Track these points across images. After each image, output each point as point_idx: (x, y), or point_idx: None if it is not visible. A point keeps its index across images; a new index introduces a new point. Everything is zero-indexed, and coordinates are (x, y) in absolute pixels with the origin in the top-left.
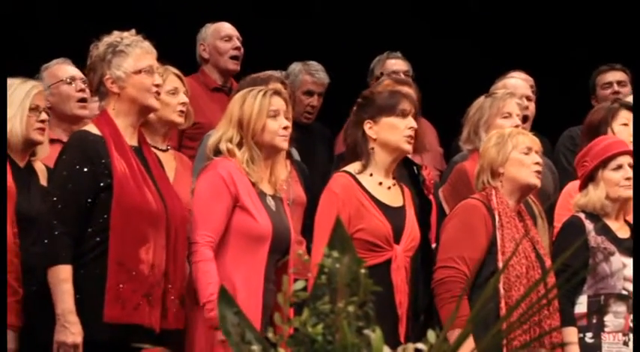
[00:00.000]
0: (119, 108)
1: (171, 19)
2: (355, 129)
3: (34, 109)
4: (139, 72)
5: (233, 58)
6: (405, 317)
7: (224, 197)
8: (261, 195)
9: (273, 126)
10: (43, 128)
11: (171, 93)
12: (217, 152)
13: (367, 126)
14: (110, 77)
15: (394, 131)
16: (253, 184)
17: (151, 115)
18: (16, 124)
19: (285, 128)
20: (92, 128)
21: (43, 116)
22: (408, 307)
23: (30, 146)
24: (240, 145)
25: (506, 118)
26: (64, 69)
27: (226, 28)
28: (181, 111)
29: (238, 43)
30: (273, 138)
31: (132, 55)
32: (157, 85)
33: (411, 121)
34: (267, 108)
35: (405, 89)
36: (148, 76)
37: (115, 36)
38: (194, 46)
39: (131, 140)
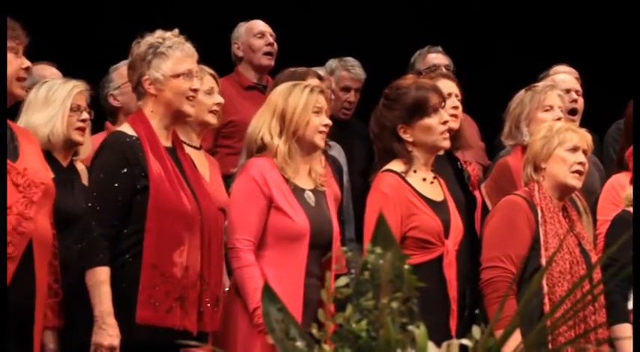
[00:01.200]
0: (155, 110)
1: (208, 19)
2: (388, 135)
3: (75, 109)
4: (178, 76)
5: (267, 54)
6: (456, 312)
7: (258, 199)
8: (297, 190)
9: (316, 123)
10: (83, 128)
11: (207, 93)
12: (257, 145)
13: (401, 131)
14: (148, 78)
15: (430, 132)
16: (287, 180)
17: None
18: (57, 124)
19: (326, 126)
20: (127, 128)
21: (84, 116)
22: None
23: (71, 146)
24: (279, 137)
25: (547, 111)
26: None
27: (259, 25)
28: (215, 111)
29: (271, 40)
30: (314, 135)
31: (172, 57)
32: (195, 90)
33: (443, 115)
34: (314, 104)
35: (427, 81)
36: (186, 81)
37: (158, 36)
38: (229, 47)
39: (166, 141)
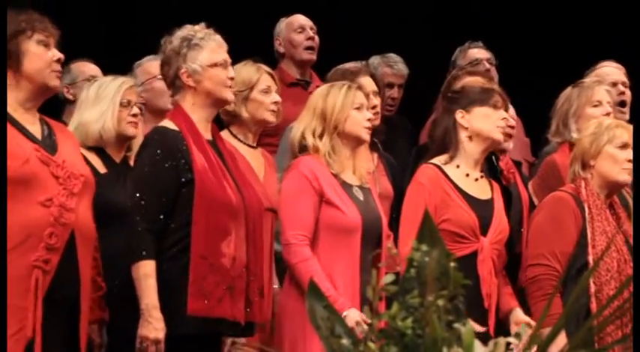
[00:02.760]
0: (195, 102)
1: (251, 16)
2: (446, 119)
3: (125, 104)
4: (215, 65)
5: (308, 48)
6: (493, 309)
7: (309, 194)
8: (346, 186)
9: (358, 117)
10: (135, 122)
11: (264, 92)
12: (301, 146)
13: (459, 116)
14: (186, 71)
15: (487, 120)
16: (335, 176)
17: (244, 113)
18: (108, 119)
19: (369, 120)
20: (168, 123)
21: (135, 110)
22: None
23: (124, 140)
24: (321, 137)
25: (596, 107)
26: (156, 65)
27: (299, 19)
28: (274, 110)
29: (312, 33)
30: (357, 129)
31: (207, 48)
32: (231, 78)
33: (503, 113)
34: (352, 100)
35: (497, 86)
36: (223, 69)
37: (188, 29)
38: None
39: (206, 134)
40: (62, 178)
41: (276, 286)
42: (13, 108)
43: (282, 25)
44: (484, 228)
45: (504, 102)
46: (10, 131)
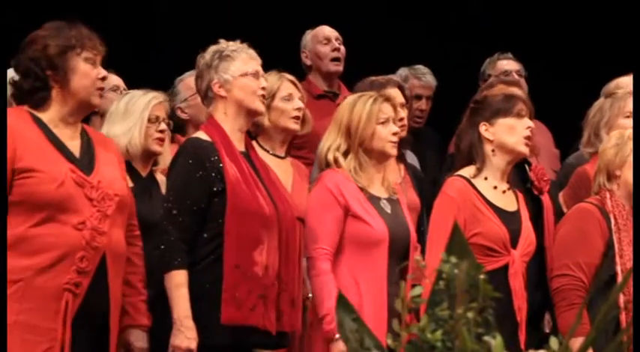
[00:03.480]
0: (227, 112)
1: (276, 29)
2: (470, 132)
3: (153, 120)
4: (246, 75)
5: (334, 59)
6: (524, 323)
7: (334, 209)
8: (373, 199)
9: (383, 133)
10: (162, 138)
11: (285, 100)
12: (328, 160)
13: (483, 129)
14: (217, 81)
15: (512, 132)
16: (362, 189)
17: (267, 122)
18: (135, 135)
19: (395, 134)
20: (202, 134)
21: (163, 126)
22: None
23: (150, 156)
24: (347, 153)
25: (628, 118)
26: None
27: (325, 30)
28: (297, 117)
29: (337, 44)
30: (383, 145)
31: (238, 58)
32: (263, 88)
33: (527, 121)
34: (377, 114)
35: (518, 91)
36: (254, 79)
37: (222, 43)
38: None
39: (239, 145)
40: (96, 200)
41: (310, 295)
42: (54, 123)
43: (308, 37)
44: (514, 241)
45: (529, 109)
46: (48, 149)
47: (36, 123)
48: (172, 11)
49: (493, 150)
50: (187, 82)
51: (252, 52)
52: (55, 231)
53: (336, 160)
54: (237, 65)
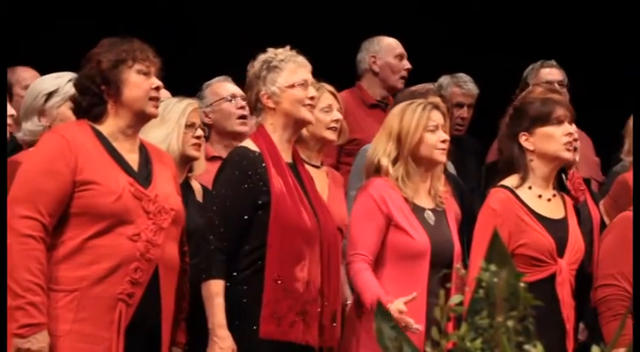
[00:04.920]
0: (275, 123)
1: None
2: (510, 143)
3: (190, 126)
4: (293, 86)
5: (403, 78)
6: (572, 332)
7: (376, 217)
8: (417, 210)
9: (432, 140)
10: (199, 144)
11: (325, 111)
12: (375, 168)
13: (523, 139)
14: (265, 93)
15: (551, 140)
16: (407, 200)
17: (304, 132)
18: (173, 141)
19: (444, 141)
20: (250, 144)
21: (199, 132)
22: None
23: (187, 162)
24: (396, 161)
25: None
26: (224, 87)
27: (399, 45)
28: (334, 128)
29: (409, 65)
30: (431, 152)
31: (286, 69)
32: (312, 98)
33: (567, 127)
34: (426, 122)
35: (557, 96)
36: (302, 89)
37: (270, 53)
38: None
39: (286, 156)
40: (152, 213)
41: (349, 301)
42: (113, 136)
43: (382, 45)
44: (560, 250)
45: (568, 113)
46: (108, 162)
47: (96, 136)
48: (207, 19)
49: (535, 159)
50: (214, 87)
51: (301, 60)
52: (111, 243)
53: (385, 167)
54: (285, 76)
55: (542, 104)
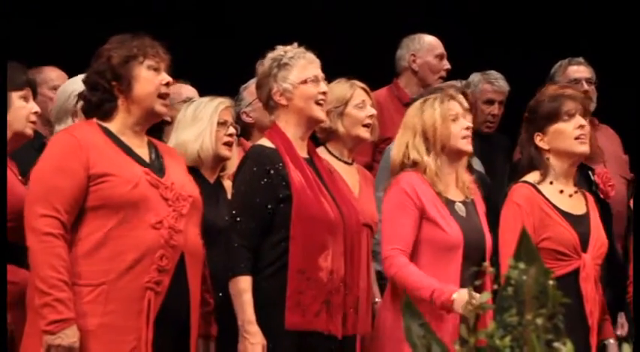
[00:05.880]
0: (289, 120)
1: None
2: (527, 144)
3: (222, 124)
4: (305, 82)
5: (441, 78)
6: (595, 327)
7: (410, 210)
8: (448, 203)
9: (455, 129)
10: (230, 142)
11: (359, 107)
12: (402, 165)
13: (537, 139)
14: (277, 90)
15: (563, 137)
16: (438, 193)
17: (340, 128)
18: (206, 139)
19: (467, 128)
20: (266, 141)
21: (231, 130)
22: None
23: (219, 161)
24: (427, 154)
25: None
26: None
27: (440, 44)
28: (368, 125)
29: (448, 65)
30: (457, 142)
31: (296, 66)
32: (323, 93)
33: (578, 120)
34: (447, 112)
35: (569, 90)
36: (314, 85)
37: (279, 50)
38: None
39: (302, 151)
40: (171, 200)
41: (378, 299)
42: (121, 132)
43: (423, 43)
44: (584, 244)
45: (580, 106)
46: (120, 155)
47: (105, 133)
48: (243, 21)
49: (551, 158)
50: (251, 88)
51: (310, 56)
52: (134, 233)
53: (419, 161)
54: (296, 73)
55: (552, 101)
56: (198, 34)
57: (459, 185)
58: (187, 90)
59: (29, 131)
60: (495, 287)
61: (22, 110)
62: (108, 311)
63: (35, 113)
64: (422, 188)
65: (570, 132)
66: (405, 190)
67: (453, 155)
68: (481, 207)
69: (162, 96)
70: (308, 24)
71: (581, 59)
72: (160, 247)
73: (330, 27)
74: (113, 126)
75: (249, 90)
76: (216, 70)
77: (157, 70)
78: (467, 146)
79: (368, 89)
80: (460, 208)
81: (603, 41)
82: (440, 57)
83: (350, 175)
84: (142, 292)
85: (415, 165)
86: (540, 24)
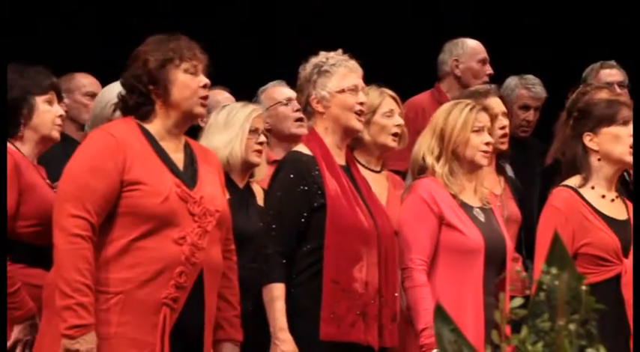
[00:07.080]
0: (325, 128)
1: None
2: (574, 143)
3: (253, 131)
4: (343, 91)
5: (484, 83)
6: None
7: (429, 218)
8: (466, 207)
9: (476, 141)
10: (260, 150)
11: (387, 116)
12: (420, 166)
13: (587, 139)
14: (315, 97)
15: (617, 141)
16: (455, 197)
17: (366, 137)
18: (237, 146)
19: (487, 144)
20: (303, 148)
21: (262, 138)
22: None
23: (248, 168)
24: (438, 158)
25: None
26: (279, 91)
27: (484, 50)
28: (396, 134)
29: (491, 70)
30: (474, 154)
31: (336, 74)
32: (361, 104)
33: (630, 129)
34: (472, 122)
35: (623, 97)
36: (352, 95)
37: (322, 56)
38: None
39: (339, 160)
40: (198, 215)
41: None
42: (160, 135)
43: (466, 48)
44: (626, 250)
45: (631, 114)
46: (154, 162)
47: (144, 134)
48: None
49: (599, 160)
50: (270, 92)
51: (352, 65)
52: (157, 245)
53: (430, 164)
54: (335, 81)
55: (608, 105)
56: (240, 35)
57: (477, 194)
58: (225, 97)
59: (56, 134)
60: (528, 292)
61: (47, 114)
62: (123, 322)
63: (60, 116)
64: (439, 193)
65: (626, 139)
66: (423, 197)
67: (466, 165)
68: (499, 215)
69: (201, 98)
70: (351, 28)
71: (613, 63)
72: (180, 264)
73: (373, 31)
74: (152, 127)
75: (267, 94)
76: (253, 74)
77: (194, 73)
78: (482, 159)
79: (398, 98)
80: (479, 213)
81: (634, 44)
82: (482, 62)
83: (377, 183)
84: (158, 307)
85: (427, 167)
86: (576, 27)
